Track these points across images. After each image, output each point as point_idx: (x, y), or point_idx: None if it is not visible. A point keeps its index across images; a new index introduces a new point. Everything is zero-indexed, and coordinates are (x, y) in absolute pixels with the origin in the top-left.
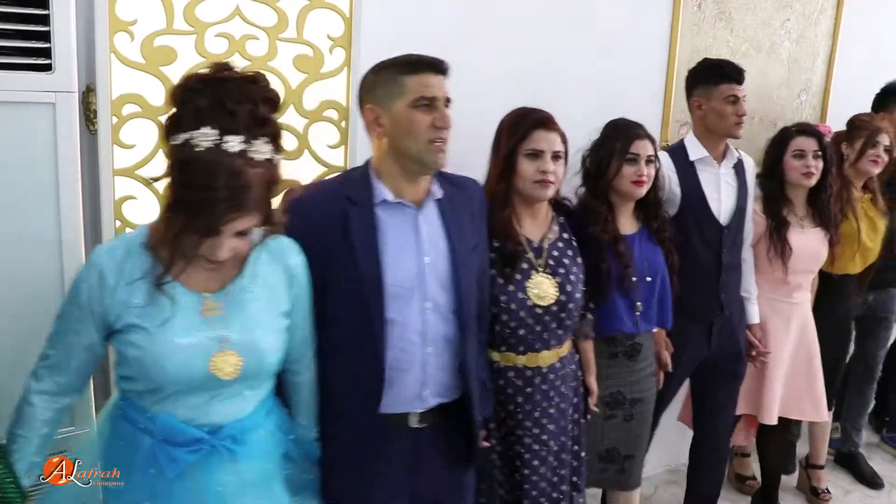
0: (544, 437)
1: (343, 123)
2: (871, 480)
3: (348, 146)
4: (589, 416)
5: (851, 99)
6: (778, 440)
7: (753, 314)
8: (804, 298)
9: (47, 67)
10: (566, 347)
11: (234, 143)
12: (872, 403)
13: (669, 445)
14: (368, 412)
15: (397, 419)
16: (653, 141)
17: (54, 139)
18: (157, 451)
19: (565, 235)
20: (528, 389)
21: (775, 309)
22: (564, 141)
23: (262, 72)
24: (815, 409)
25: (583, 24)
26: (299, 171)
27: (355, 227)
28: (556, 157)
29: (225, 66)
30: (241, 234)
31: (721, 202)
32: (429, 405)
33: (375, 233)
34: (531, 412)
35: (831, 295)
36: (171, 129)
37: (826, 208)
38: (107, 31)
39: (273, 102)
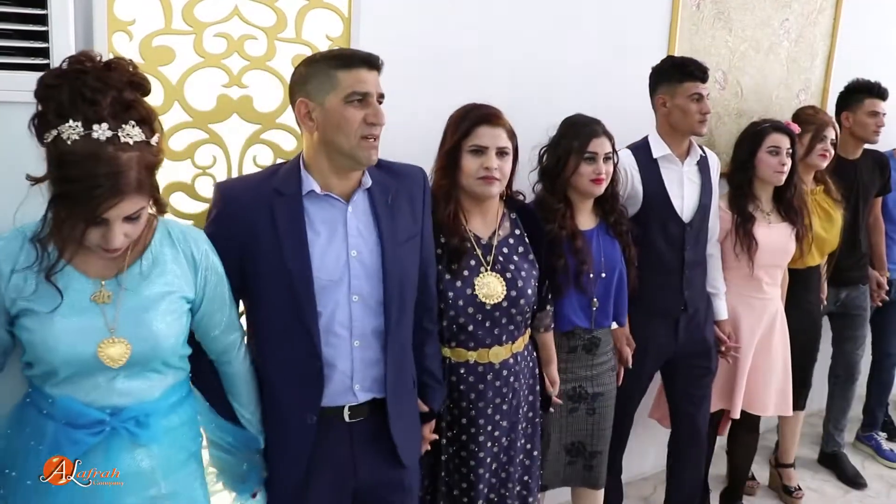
0: (496, 433)
1: None
2: (854, 480)
3: None
4: (552, 409)
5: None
6: (747, 439)
7: (721, 310)
8: (774, 294)
9: (45, 67)
10: (520, 343)
11: (101, 132)
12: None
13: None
14: (309, 405)
15: (333, 412)
16: (610, 138)
17: None
18: (59, 435)
19: (517, 232)
20: (480, 386)
21: (745, 304)
22: (512, 136)
23: (125, 58)
24: (782, 403)
25: (581, 24)
26: None
27: (282, 219)
28: (501, 153)
29: (81, 58)
30: (131, 218)
31: (684, 199)
32: (360, 400)
33: (303, 225)
34: (484, 409)
35: (798, 288)
36: (39, 128)
37: (792, 203)
38: (105, 31)
39: (139, 85)
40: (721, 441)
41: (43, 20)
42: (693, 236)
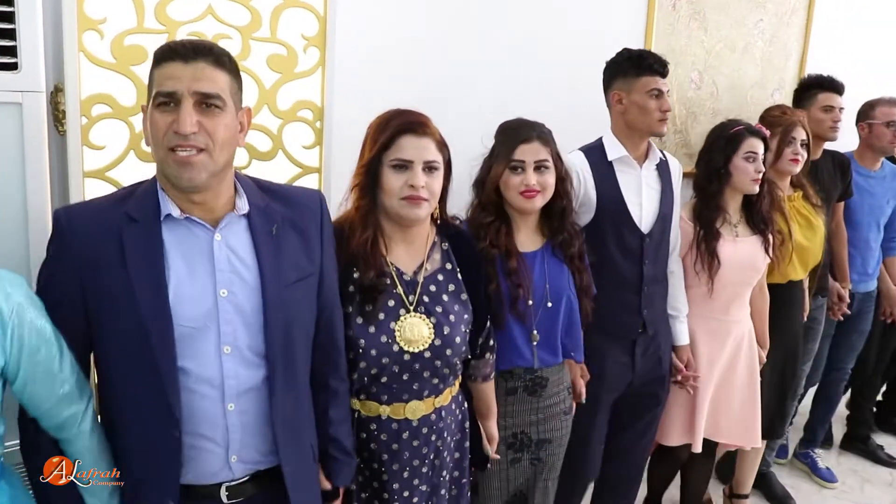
0: (414, 499)
1: (318, 124)
2: (783, 500)
3: (323, 147)
4: (489, 465)
5: None
6: (701, 468)
7: (681, 334)
8: (742, 315)
9: (13, 66)
10: (446, 396)
11: None
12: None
13: None
14: (166, 487)
15: (204, 493)
16: (547, 143)
17: (21, 140)
18: None
19: (448, 266)
20: (394, 445)
21: (708, 328)
22: (443, 148)
23: None
24: (747, 435)
25: (555, 23)
26: (274, 173)
27: (133, 251)
28: (429, 168)
29: None
30: None
31: (642, 207)
32: (239, 476)
33: (159, 258)
34: (398, 471)
35: (779, 307)
36: None
37: (762, 213)
38: (75, 30)
39: None
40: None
41: (10, 18)
42: (653, 248)
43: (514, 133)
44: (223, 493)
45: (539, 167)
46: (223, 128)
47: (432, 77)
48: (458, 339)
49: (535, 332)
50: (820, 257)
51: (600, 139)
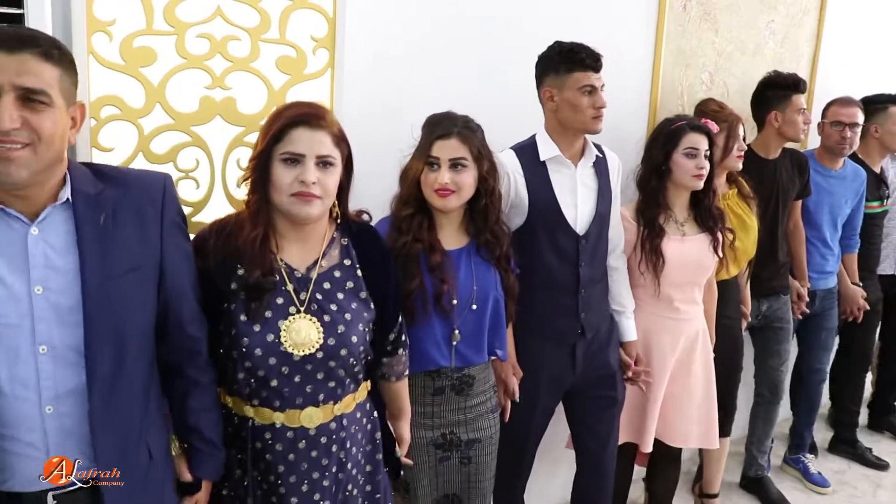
0: None
1: None
2: None
3: None
4: (402, 473)
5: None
6: (667, 471)
7: (628, 330)
8: (693, 313)
9: None
10: (348, 402)
11: None
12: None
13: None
14: None
15: (32, 499)
16: (467, 140)
17: None
18: None
19: (346, 262)
20: (291, 455)
21: (660, 325)
22: (341, 143)
23: None
24: (704, 436)
25: (565, 26)
26: None
27: None
28: (324, 163)
29: None
30: None
31: (577, 207)
32: (66, 486)
33: None
34: (296, 485)
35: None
36: None
37: (711, 211)
38: (84, 32)
39: None
40: (640, 471)
41: (20, 20)
42: (589, 250)
43: (433, 128)
44: (50, 501)
45: (455, 165)
46: (50, 124)
47: (441, 79)
48: (354, 339)
49: (456, 331)
50: (752, 255)
51: (533, 137)
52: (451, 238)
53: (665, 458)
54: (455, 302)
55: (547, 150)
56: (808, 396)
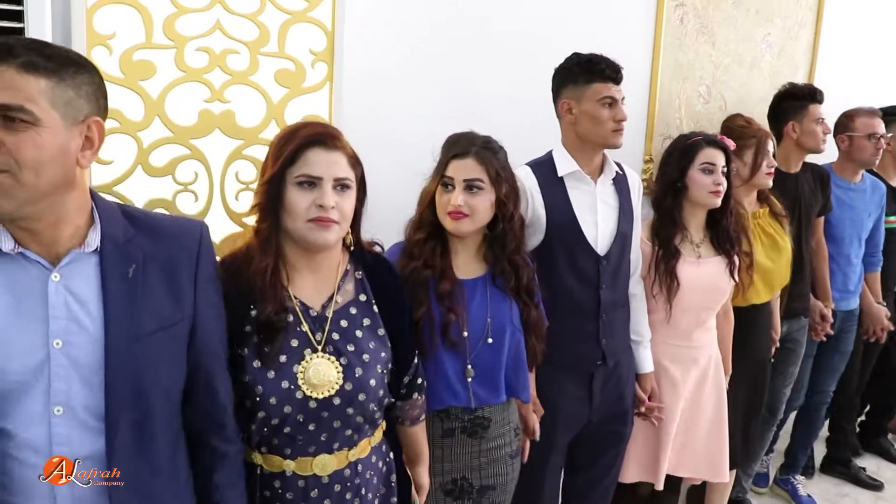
0: None
1: None
2: None
3: None
4: None
5: (831, 111)
6: (667, 500)
7: (645, 362)
8: (706, 340)
9: None
10: (364, 447)
11: None
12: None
13: None
14: None
15: None
16: (485, 161)
17: None
18: None
19: (362, 297)
20: None
21: (672, 355)
22: (356, 165)
23: None
24: (713, 468)
25: (563, 40)
26: None
27: None
28: (341, 185)
29: None
30: None
31: (598, 226)
32: None
33: None
34: None
35: (742, 332)
36: None
37: (728, 232)
38: (84, 45)
39: None
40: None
41: (20, 33)
42: (610, 272)
43: (451, 147)
44: None
45: (471, 186)
46: (32, 147)
47: (440, 92)
48: (373, 382)
49: (469, 367)
50: (787, 279)
51: (550, 152)
52: (467, 266)
53: (666, 488)
54: (465, 334)
55: (565, 165)
56: (809, 418)
